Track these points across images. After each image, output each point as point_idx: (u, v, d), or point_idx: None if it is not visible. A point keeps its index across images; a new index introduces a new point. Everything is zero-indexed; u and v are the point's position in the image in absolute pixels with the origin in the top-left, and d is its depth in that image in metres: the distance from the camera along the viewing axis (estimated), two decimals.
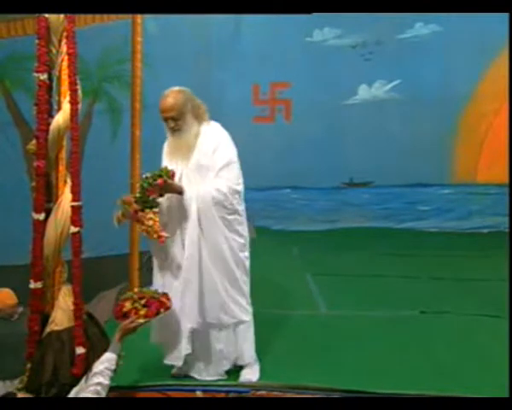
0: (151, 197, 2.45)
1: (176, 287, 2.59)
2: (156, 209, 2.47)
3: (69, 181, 2.67)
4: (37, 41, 2.61)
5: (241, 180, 2.61)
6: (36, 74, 2.60)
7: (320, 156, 6.73)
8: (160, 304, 2.44)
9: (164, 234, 2.45)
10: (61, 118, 2.63)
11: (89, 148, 5.66)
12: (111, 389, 2.48)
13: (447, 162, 6.81)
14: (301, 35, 6.73)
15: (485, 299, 3.91)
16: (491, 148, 6.68)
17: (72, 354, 2.54)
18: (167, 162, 2.63)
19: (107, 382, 2.23)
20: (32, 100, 2.67)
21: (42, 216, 2.62)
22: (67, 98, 2.63)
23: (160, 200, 2.53)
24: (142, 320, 2.39)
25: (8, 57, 6.68)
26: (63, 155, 2.72)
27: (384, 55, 6.66)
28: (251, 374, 2.65)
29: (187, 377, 2.68)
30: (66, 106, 2.63)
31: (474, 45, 6.36)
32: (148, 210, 2.44)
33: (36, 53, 2.62)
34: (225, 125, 2.74)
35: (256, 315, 2.75)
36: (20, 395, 2.54)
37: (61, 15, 2.64)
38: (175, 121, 2.55)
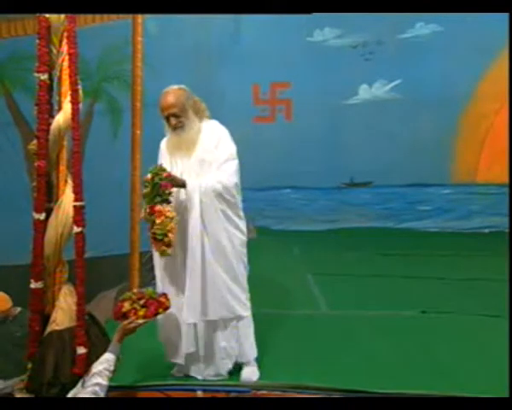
0: (167, 191, 2.39)
1: (178, 282, 2.58)
2: (171, 204, 2.42)
3: (70, 181, 2.67)
4: (37, 41, 2.62)
5: (239, 175, 2.63)
6: (36, 74, 2.61)
7: (320, 156, 6.74)
8: (158, 304, 2.44)
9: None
10: (61, 118, 2.64)
11: (89, 148, 5.66)
12: (111, 388, 2.49)
13: (447, 162, 6.81)
14: (302, 35, 6.73)
15: (486, 299, 3.91)
16: (492, 148, 6.68)
17: (73, 354, 2.54)
18: (167, 159, 2.63)
19: (105, 382, 2.23)
20: (33, 100, 2.67)
21: (42, 216, 2.62)
22: (68, 98, 2.63)
23: None
24: (141, 321, 2.39)
25: (9, 57, 6.69)
26: (64, 154, 2.72)
27: (384, 55, 6.66)
28: (251, 373, 2.65)
29: (187, 377, 2.68)
30: (66, 106, 2.64)
31: (474, 45, 6.36)
32: (165, 205, 2.39)
33: (36, 53, 2.62)
34: (226, 125, 2.74)
35: (256, 315, 2.75)
36: (19, 394, 2.55)
37: (62, 15, 2.64)
38: (177, 118, 2.55)
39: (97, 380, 2.21)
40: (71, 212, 2.61)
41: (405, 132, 6.65)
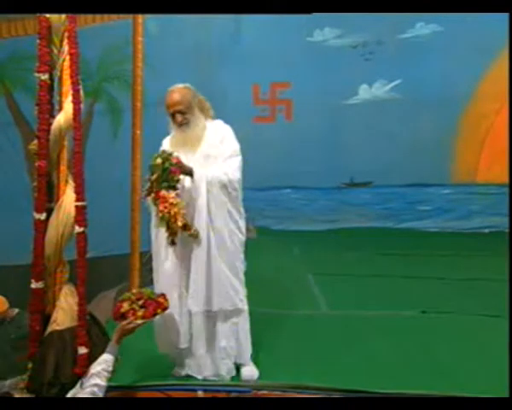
0: (176, 177, 2.37)
1: (182, 271, 2.58)
2: (178, 191, 2.40)
3: (71, 181, 2.68)
4: (38, 41, 2.62)
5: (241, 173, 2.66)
6: (37, 74, 2.61)
7: (320, 156, 6.74)
8: (157, 305, 2.44)
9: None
10: (62, 118, 2.64)
11: (89, 148, 5.66)
12: (112, 388, 2.49)
13: (448, 162, 6.82)
14: (302, 35, 6.73)
15: (486, 299, 3.91)
16: (492, 148, 6.69)
17: (74, 354, 2.55)
18: None
19: (103, 383, 2.23)
20: (33, 100, 2.68)
21: (43, 216, 2.63)
22: (69, 98, 2.64)
23: None
24: (139, 321, 2.39)
25: (9, 57, 6.68)
26: (64, 154, 2.73)
27: (385, 55, 6.66)
28: (252, 371, 2.66)
29: (188, 376, 2.68)
30: (67, 106, 2.64)
31: (474, 45, 6.36)
32: (171, 191, 2.36)
33: (37, 53, 2.62)
34: None
35: (257, 315, 2.75)
36: (17, 394, 2.55)
37: (63, 15, 2.64)
38: (183, 115, 2.57)
39: (96, 381, 2.21)
40: (72, 212, 2.62)
41: (405, 132, 6.65)
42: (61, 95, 2.69)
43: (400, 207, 6.97)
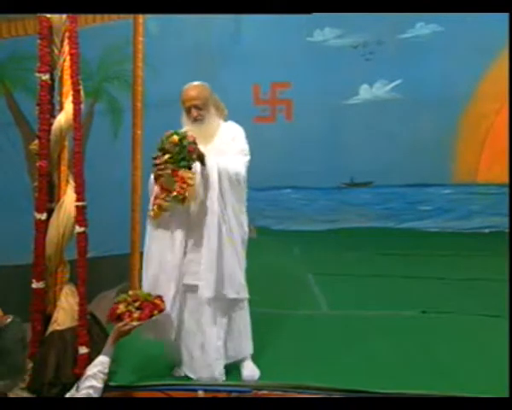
0: (193, 155, 2.35)
1: (192, 255, 2.57)
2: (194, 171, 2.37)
3: (71, 181, 2.68)
4: (39, 41, 2.63)
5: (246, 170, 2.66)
6: (38, 74, 2.62)
7: (321, 156, 6.74)
8: (154, 306, 2.44)
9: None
10: (63, 118, 2.65)
11: (90, 148, 5.66)
12: (112, 388, 2.50)
13: (448, 162, 6.82)
14: (302, 35, 6.73)
15: (486, 299, 3.92)
16: (492, 148, 6.69)
17: (75, 354, 2.55)
18: None
19: (99, 385, 2.23)
20: (33, 100, 2.68)
21: (44, 216, 2.63)
22: (69, 98, 2.64)
23: None
24: (135, 323, 2.38)
25: (9, 57, 6.68)
26: (65, 155, 2.73)
27: (385, 55, 6.66)
28: (252, 370, 2.66)
29: (188, 376, 2.68)
30: (68, 106, 2.64)
31: (474, 45, 6.36)
32: (188, 171, 2.33)
33: (38, 53, 2.63)
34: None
35: (257, 315, 2.76)
36: (12, 394, 2.55)
37: (63, 15, 2.65)
38: (198, 111, 2.59)
39: (91, 383, 2.21)
40: (72, 212, 2.62)
41: (406, 132, 6.65)
42: (61, 95, 2.70)
43: (400, 207, 6.97)
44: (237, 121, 2.85)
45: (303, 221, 6.92)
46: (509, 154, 5.19)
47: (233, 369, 2.68)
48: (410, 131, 6.66)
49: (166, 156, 2.33)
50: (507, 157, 5.62)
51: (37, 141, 2.64)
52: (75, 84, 2.62)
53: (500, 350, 2.78)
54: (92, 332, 2.67)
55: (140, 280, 4.38)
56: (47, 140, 2.62)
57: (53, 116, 2.67)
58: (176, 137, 2.34)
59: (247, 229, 2.68)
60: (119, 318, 2.40)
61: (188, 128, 2.56)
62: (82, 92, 2.67)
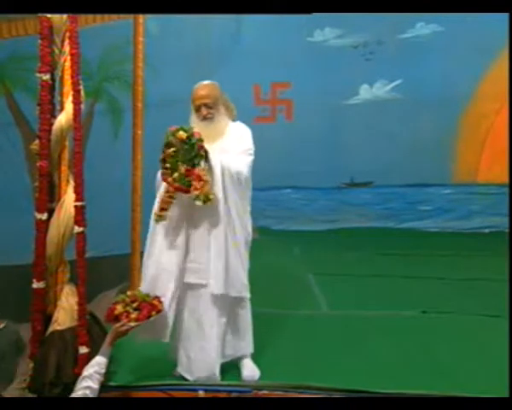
0: (202, 151, 2.36)
1: (194, 254, 2.57)
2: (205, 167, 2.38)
3: (72, 181, 2.68)
4: (39, 41, 2.63)
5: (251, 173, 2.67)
6: (38, 75, 2.62)
7: (321, 156, 6.74)
8: (151, 307, 2.44)
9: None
10: (63, 118, 2.65)
11: (90, 148, 5.66)
12: (112, 388, 2.50)
13: (448, 162, 6.82)
14: (302, 35, 6.73)
15: (486, 299, 3.92)
16: (492, 148, 6.69)
17: (75, 354, 2.55)
18: None
19: (96, 386, 2.23)
20: (34, 100, 2.68)
21: (44, 216, 2.64)
22: (70, 98, 2.64)
23: None
24: (133, 324, 2.38)
25: (9, 57, 6.67)
26: (66, 155, 2.73)
27: (385, 55, 6.66)
28: (252, 370, 2.66)
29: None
30: (68, 106, 2.65)
31: (474, 45, 6.36)
32: (201, 168, 2.35)
33: (38, 53, 2.63)
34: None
35: (257, 315, 2.76)
36: (7, 394, 2.55)
37: (64, 15, 2.65)
38: (208, 109, 2.61)
39: (88, 383, 2.21)
40: (72, 212, 2.62)
41: (406, 132, 6.65)
42: (62, 95, 2.70)
43: (400, 207, 6.97)
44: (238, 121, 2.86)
45: (303, 221, 6.92)
46: (509, 154, 5.19)
47: (233, 369, 2.68)
48: (411, 131, 6.66)
49: (171, 150, 2.33)
50: (507, 157, 5.62)
51: (37, 141, 2.64)
52: (75, 84, 2.62)
53: (500, 350, 2.78)
54: (92, 332, 2.68)
55: (139, 279, 4.42)
56: (47, 140, 2.63)
57: (53, 116, 2.67)
58: (183, 134, 2.34)
59: (250, 230, 2.68)
60: (117, 318, 2.40)
61: (196, 126, 2.57)
62: (82, 92, 2.66)
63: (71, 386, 2.31)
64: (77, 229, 2.62)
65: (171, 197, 2.42)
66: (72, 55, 2.65)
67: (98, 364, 2.29)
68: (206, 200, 2.37)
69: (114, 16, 6.03)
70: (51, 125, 2.64)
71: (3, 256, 6.01)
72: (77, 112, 2.62)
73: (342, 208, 7.01)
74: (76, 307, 2.63)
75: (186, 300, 2.62)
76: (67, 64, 2.68)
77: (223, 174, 2.49)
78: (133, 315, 2.40)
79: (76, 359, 2.54)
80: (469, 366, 2.76)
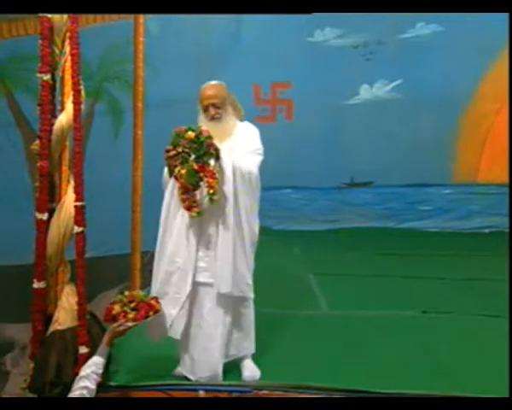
0: (212, 150, 2.35)
1: (202, 253, 2.56)
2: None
3: (72, 181, 2.68)
4: (40, 42, 2.62)
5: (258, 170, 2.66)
6: (39, 75, 2.61)
7: (321, 156, 6.74)
8: (149, 307, 2.44)
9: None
10: (64, 118, 2.65)
11: (90, 148, 5.67)
12: (112, 388, 2.50)
13: (448, 162, 6.82)
14: (302, 35, 6.73)
15: (486, 299, 3.92)
16: (493, 148, 6.69)
17: (76, 354, 2.55)
18: None
19: (93, 386, 2.22)
20: (34, 100, 2.69)
21: (45, 216, 2.63)
22: (70, 98, 2.64)
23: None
24: (130, 324, 2.38)
25: (10, 57, 6.68)
26: (66, 155, 2.73)
27: (385, 55, 6.66)
28: (253, 371, 2.66)
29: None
30: (69, 106, 2.65)
31: (474, 45, 6.36)
32: (212, 165, 2.34)
33: (39, 53, 2.63)
34: None
35: (257, 315, 2.76)
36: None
37: (65, 16, 2.65)
38: (216, 109, 2.60)
39: (85, 384, 2.21)
40: (73, 212, 2.62)
41: (406, 132, 6.66)
42: (62, 95, 2.70)
43: (401, 207, 6.98)
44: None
45: (303, 221, 6.93)
46: (509, 154, 5.20)
47: (233, 369, 2.68)
48: (411, 131, 6.66)
49: (179, 149, 2.33)
50: (507, 157, 5.62)
51: (38, 141, 2.64)
52: (76, 85, 2.62)
53: (500, 350, 2.78)
54: (92, 332, 2.68)
55: (140, 279, 4.43)
56: (48, 140, 2.62)
57: (54, 116, 2.67)
58: (192, 134, 2.33)
59: (257, 230, 2.67)
60: (115, 318, 2.40)
61: (204, 126, 2.55)
62: (83, 92, 2.66)
63: (71, 386, 2.32)
64: (77, 229, 2.62)
65: (187, 192, 2.39)
66: (72, 55, 2.65)
67: (95, 364, 2.29)
68: (212, 201, 2.37)
69: (115, 16, 6.05)
70: (52, 125, 2.64)
71: (4, 256, 6.02)
72: (77, 112, 2.62)
73: (342, 208, 7.01)
74: (76, 307, 2.63)
75: (192, 299, 2.61)
76: (68, 64, 2.67)
77: (234, 174, 2.48)
78: (131, 315, 2.40)
79: (76, 358, 2.54)
80: (469, 366, 2.76)
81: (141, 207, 4.30)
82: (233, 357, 2.68)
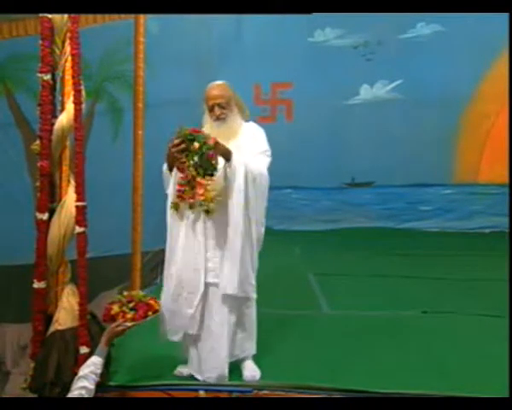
0: (214, 162, 2.32)
1: (211, 253, 2.56)
2: (215, 177, 2.35)
3: (73, 181, 2.68)
4: (40, 42, 2.62)
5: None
6: (39, 75, 2.61)
7: (321, 156, 6.75)
8: (148, 307, 2.44)
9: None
10: (64, 118, 2.65)
11: (90, 148, 5.66)
12: (113, 388, 2.50)
13: (449, 162, 6.83)
14: (303, 35, 6.74)
15: (487, 299, 3.92)
16: (493, 148, 6.70)
17: (76, 354, 2.55)
18: None
19: (91, 386, 2.22)
20: (34, 100, 2.69)
21: (45, 216, 2.63)
22: (71, 99, 2.64)
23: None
24: (129, 324, 2.38)
25: (10, 57, 6.69)
26: (67, 155, 2.73)
27: (385, 55, 6.67)
28: (253, 371, 2.66)
29: (190, 376, 2.67)
30: (69, 106, 2.64)
31: (475, 45, 6.37)
32: (208, 177, 2.32)
33: (39, 54, 2.63)
34: None
35: (258, 315, 2.76)
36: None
37: (65, 16, 2.65)
38: (221, 109, 2.59)
39: (83, 384, 2.21)
40: (73, 212, 2.62)
41: (406, 132, 6.66)
42: (63, 95, 2.70)
43: (401, 207, 6.98)
44: None
45: (304, 221, 6.93)
46: (510, 154, 5.20)
47: (234, 369, 2.68)
48: (411, 131, 6.66)
49: (183, 146, 2.32)
50: (507, 157, 5.62)
51: (38, 141, 2.64)
52: (76, 85, 2.62)
53: (500, 350, 2.78)
54: (93, 332, 2.68)
55: (140, 279, 4.44)
56: (48, 140, 2.62)
57: (54, 116, 2.68)
58: (197, 145, 2.31)
59: (263, 231, 2.69)
60: (113, 318, 2.40)
61: (209, 126, 2.57)
62: (83, 92, 2.67)
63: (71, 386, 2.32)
64: (78, 229, 2.62)
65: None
66: (73, 55, 2.64)
67: (94, 364, 2.29)
68: (207, 213, 2.38)
69: (115, 16, 6.04)
70: (52, 125, 2.64)
71: (4, 256, 6.03)
72: (78, 112, 2.62)
73: (343, 208, 7.02)
74: (77, 308, 2.63)
75: (202, 299, 2.59)
76: (68, 64, 2.67)
77: (245, 177, 2.48)
78: (129, 315, 2.40)
79: (76, 359, 2.54)
80: (469, 366, 2.75)
81: (141, 207, 4.30)
82: (236, 357, 2.68)
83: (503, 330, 2.84)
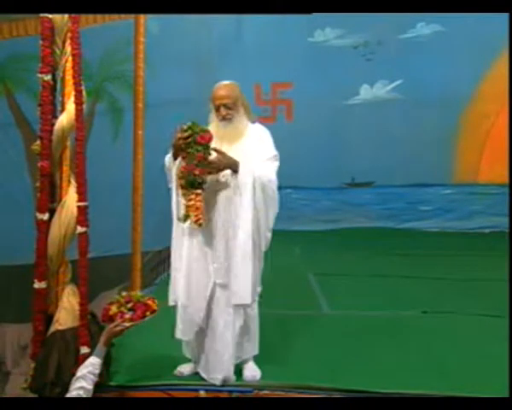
0: (200, 179, 2.33)
1: (221, 253, 2.55)
2: (200, 190, 2.35)
3: (73, 181, 2.68)
4: (41, 42, 2.62)
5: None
6: (40, 75, 2.61)
7: (322, 156, 6.75)
8: (146, 308, 2.44)
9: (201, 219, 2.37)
10: (65, 118, 2.65)
11: (90, 148, 5.66)
12: (113, 388, 2.50)
13: (449, 162, 6.83)
14: (303, 35, 6.75)
15: (487, 299, 3.92)
16: (493, 148, 6.70)
17: (76, 354, 2.56)
18: None
19: (90, 387, 2.22)
20: (34, 100, 2.69)
21: (46, 216, 2.64)
22: (71, 99, 2.64)
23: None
24: (127, 324, 2.39)
25: (10, 57, 6.69)
26: (67, 155, 2.74)
27: (386, 55, 6.67)
28: (254, 371, 2.66)
29: (192, 375, 2.67)
30: (70, 106, 2.65)
31: (475, 45, 6.37)
32: (193, 190, 2.33)
33: (40, 54, 2.63)
34: None
35: (258, 315, 2.76)
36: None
37: (65, 16, 2.65)
38: (227, 110, 2.56)
39: (81, 384, 2.21)
40: (74, 212, 2.62)
41: (406, 132, 6.67)
42: (63, 95, 2.70)
43: (401, 207, 6.99)
44: None
45: (304, 221, 6.93)
46: (510, 154, 5.20)
47: (234, 369, 2.68)
48: (411, 131, 6.67)
49: (189, 138, 2.34)
50: (507, 157, 5.63)
51: (38, 141, 2.65)
52: (77, 85, 2.62)
53: (500, 350, 2.78)
54: (93, 332, 2.68)
55: (140, 279, 4.44)
56: (49, 140, 2.62)
57: (55, 117, 2.68)
58: (201, 154, 2.34)
59: (269, 237, 2.68)
60: (112, 319, 2.41)
61: (215, 125, 2.56)
62: (84, 93, 2.67)
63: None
64: (79, 229, 2.62)
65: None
66: (73, 55, 2.64)
67: (92, 364, 2.29)
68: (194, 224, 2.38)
69: (115, 16, 6.05)
70: (52, 125, 2.64)
71: (4, 256, 6.03)
72: (79, 112, 2.62)
73: (343, 208, 7.02)
74: (77, 308, 2.63)
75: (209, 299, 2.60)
76: (69, 64, 2.67)
77: (254, 188, 2.47)
78: (127, 315, 2.40)
79: (77, 359, 2.55)
80: (469, 366, 2.75)
81: (141, 207, 4.30)
82: (240, 359, 2.68)
83: (503, 330, 2.84)
